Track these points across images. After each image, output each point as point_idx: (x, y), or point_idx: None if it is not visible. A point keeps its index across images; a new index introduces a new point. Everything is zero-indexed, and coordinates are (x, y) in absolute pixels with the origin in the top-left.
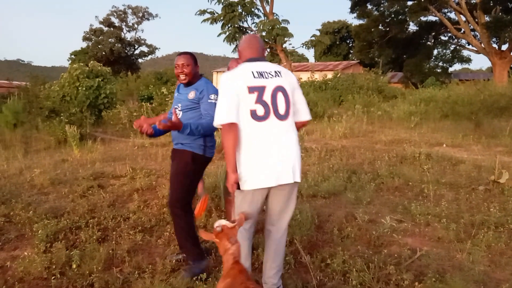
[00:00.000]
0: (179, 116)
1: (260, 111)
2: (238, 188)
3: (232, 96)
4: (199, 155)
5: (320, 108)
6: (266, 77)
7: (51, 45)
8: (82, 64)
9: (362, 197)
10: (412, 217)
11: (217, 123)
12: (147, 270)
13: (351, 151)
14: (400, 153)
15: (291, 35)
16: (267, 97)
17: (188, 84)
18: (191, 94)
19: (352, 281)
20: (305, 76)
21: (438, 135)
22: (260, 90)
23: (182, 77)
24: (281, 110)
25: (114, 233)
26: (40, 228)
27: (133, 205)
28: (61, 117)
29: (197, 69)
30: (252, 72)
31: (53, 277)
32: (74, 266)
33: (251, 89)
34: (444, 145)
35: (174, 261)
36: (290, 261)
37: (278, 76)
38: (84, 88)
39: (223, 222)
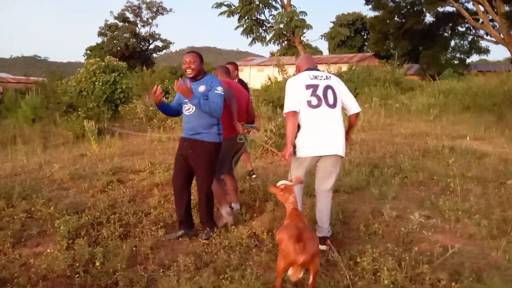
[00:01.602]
0: (193, 111)
1: (314, 101)
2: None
3: (295, 93)
4: (217, 143)
5: None
6: (319, 79)
7: (67, 41)
8: (98, 59)
9: (387, 192)
10: (441, 212)
11: (285, 111)
12: (171, 267)
13: (371, 144)
14: (422, 147)
15: (310, 27)
16: (319, 92)
17: (194, 79)
18: (201, 88)
19: (383, 280)
20: (321, 69)
21: (459, 128)
22: (314, 87)
23: (189, 71)
24: (330, 101)
25: (136, 229)
26: (62, 224)
27: (153, 200)
28: (79, 112)
29: (202, 66)
30: (309, 75)
31: (76, 275)
32: (97, 263)
33: (308, 87)
34: (468, 138)
35: (177, 238)
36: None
37: (328, 79)
38: (100, 83)
39: (285, 181)
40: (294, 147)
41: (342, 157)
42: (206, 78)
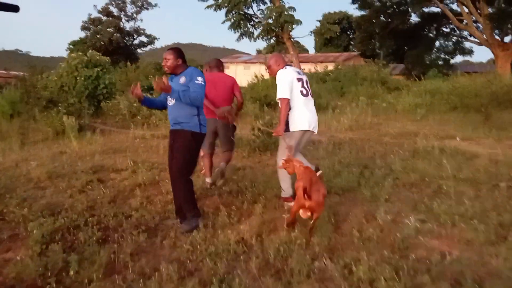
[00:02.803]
0: (173, 102)
1: (304, 92)
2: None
3: (288, 83)
4: (197, 133)
5: (324, 100)
6: (301, 75)
7: (49, 35)
8: (80, 53)
9: (379, 194)
10: (435, 216)
11: (279, 97)
12: (152, 277)
13: (359, 144)
14: (412, 147)
15: (299, 22)
16: (305, 84)
17: (175, 74)
18: (182, 79)
19: None
20: (307, 68)
21: (446, 128)
22: (301, 81)
23: (165, 68)
24: (310, 92)
25: (115, 233)
26: (36, 228)
27: (135, 201)
28: (59, 108)
29: (178, 62)
30: (295, 71)
31: (47, 286)
32: (71, 272)
33: (298, 79)
34: (458, 139)
35: (171, 224)
36: (311, 267)
37: (304, 74)
38: (82, 78)
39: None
40: (286, 124)
41: (315, 133)
42: (187, 70)
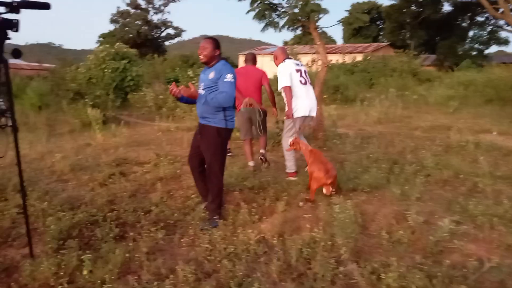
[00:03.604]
0: (203, 93)
1: (302, 80)
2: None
3: (288, 73)
4: (222, 128)
5: (352, 92)
6: (299, 66)
7: (81, 28)
8: (108, 46)
9: (409, 192)
10: (472, 218)
11: (282, 86)
12: (167, 279)
13: (389, 138)
14: (444, 141)
15: (326, 11)
16: (303, 75)
17: (207, 64)
18: (211, 74)
19: None
20: (334, 59)
21: (481, 122)
22: (300, 71)
23: (201, 57)
24: (308, 80)
25: (133, 230)
26: (53, 223)
27: (155, 195)
28: (86, 100)
29: (215, 53)
30: (294, 63)
31: (59, 286)
32: (85, 272)
33: (297, 70)
34: (494, 133)
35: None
36: (336, 271)
37: (302, 65)
38: (110, 70)
39: (289, 137)
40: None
41: (313, 117)
42: (217, 64)
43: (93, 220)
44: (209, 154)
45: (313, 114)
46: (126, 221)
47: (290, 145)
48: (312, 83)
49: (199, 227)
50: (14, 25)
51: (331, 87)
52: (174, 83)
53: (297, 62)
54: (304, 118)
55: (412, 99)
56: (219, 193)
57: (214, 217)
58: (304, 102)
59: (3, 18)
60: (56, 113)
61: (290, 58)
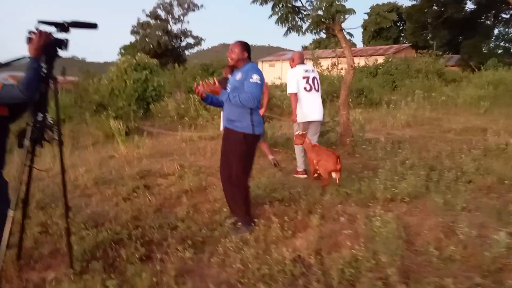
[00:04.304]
0: (225, 91)
1: (308, 88)
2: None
3: (295, 81)
4: (249, 134)
5: (376, 95)
6: (309, 72)
7: (103, 41)
8: (129, 57)
9: (453, 201)
10: None
11: (288, 92)
12: None
13: (421, 142)
14: (481, 144)
15: (352, 12)
16: (310, 82)
17: (235, 67)
18: (238, 75)
19: None
20: (355, 62)
21: None
22: (307, 78)
23: (229, 59)
24: (316, 87)
25: (160, 249)
26: (77, 243)
27: (181, 210)
28: (109, 111)
29: (243, 55)
30: (303, 69)
31: None
32: None
33: (304, 77)
34: None
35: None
36: None
37: (313, 72)
38: (131, 81)
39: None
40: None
41: (321, 120)
42: (245, 66)
43: (118, 239)
44: (234, 161)
45: (318, 118)
46: (152, 239)
47: (295, 137)
48: (322, 88)
49: (232, 235)
50: (64, 44)
51: (355, 90)
52: (200, 82)
53: (308, 68)
54: (309, 123)
55: (439, 100)
56: (246, 200)
57: (245, 223)
58: (307, 108)
59: (55, 38)
60: (79, 125)
61: (303, 64)
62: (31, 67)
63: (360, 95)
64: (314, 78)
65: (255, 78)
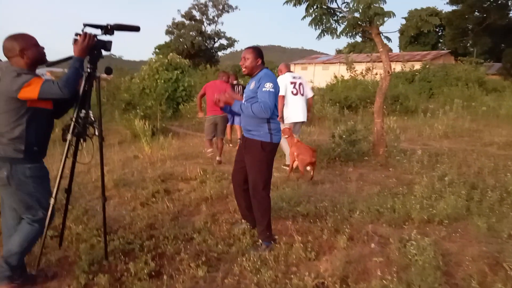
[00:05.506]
0: (238, 101)
1: (294, 91)
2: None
3: (283, 85)
4: (267, 142)
5: (412, 102)
6: (296, 79)
7: (139, 39)
8: (161, 56)
9: (498, 226)
10: None
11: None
12: None
13: (460, 155)
14: None
15: (391, 15)
16: (296, 87)
17: (250, 76)
18: (252, 85)
19: None
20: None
21: None
22: (294, 83)
23: (243, 69)
24: (301, 92)
25: (171, 264)
26: (86, 252)
27: (199, 219)
28: (137, 110)
29: (257, 62)
30: (291, 76)
31: None
32: None
33: (291, 83)
34: None
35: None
36: None
37: (300, 79)
38: (162, 81)
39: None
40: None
41: (305, 121)
42: (259, 73)
43: (129, 249)
44: (253, 170)
45: (302, 119)
46: (165, 252)
47: (283, 132)
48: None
49: (250, 252)
50: (107, 45)
51: (390, 97)
52: (215, 94)
53: (295, 75)
54: (295, 123)
55: (480, 110)
56: (266, 213)
57: (264, 238)
58: (294, 110)
59: (98, 39)
60: (109, 123)
61: (290, 72)
62: (73, 66)
63: (395, 102)
64: (300, 83)
65: (268, 86)
